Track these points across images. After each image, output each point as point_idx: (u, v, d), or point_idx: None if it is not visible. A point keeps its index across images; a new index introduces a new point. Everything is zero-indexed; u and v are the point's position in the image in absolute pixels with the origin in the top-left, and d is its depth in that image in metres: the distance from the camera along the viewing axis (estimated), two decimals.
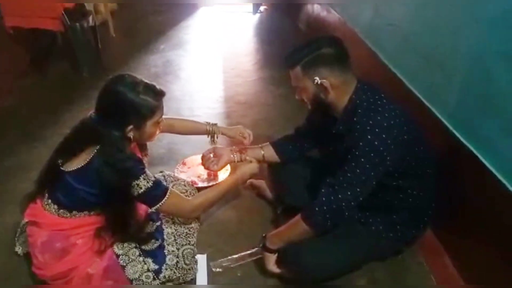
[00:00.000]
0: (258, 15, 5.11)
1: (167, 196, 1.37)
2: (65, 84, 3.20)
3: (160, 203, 1.36)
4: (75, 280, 1.36)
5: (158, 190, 1.36)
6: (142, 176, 1.31)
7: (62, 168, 1.32)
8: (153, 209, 1.39)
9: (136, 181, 1.30)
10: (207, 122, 1.79)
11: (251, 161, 1.69)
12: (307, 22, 4.17)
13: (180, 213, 1.47)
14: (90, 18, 3.32)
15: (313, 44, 1.35)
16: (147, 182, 1.32)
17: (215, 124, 1.79)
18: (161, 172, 1.81)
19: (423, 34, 1.77)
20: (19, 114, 2.75)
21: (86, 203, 1.34)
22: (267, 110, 2.85)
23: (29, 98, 2.96)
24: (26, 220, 1.45)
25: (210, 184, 1.95)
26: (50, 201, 1.36)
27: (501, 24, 1.27)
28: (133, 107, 1.29)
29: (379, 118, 1.30)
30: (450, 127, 1.51)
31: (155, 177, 1.36)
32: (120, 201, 1.34)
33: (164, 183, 1.66)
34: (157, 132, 1.44)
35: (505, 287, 1.26)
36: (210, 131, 1.78)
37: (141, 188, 1.31)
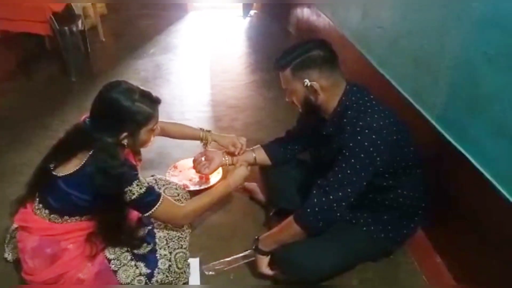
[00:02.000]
0: (248, 19, 5.13)
1: (159, 202, 1.36)
2: (53, 88, 3.18)
3: (152, 210, 1.35)
4: (66, 286, 1.35)
5: (151, 196, 1.35)
6: (135, 182, 1.30)
7: (54, 173, 1.31)
8: (145, 215, 1.38)
9: (129, 187, 1.29)
10: (200, 128, 1.78)
11: (241, 165, 1.69)
12: (297, 26, 4.20)
13: (172, 220, 1.46)
14: (79, 22, 3.31)
15: (302, 47, 1.36)
16: (140, 188, 1.31)
17: (209, 131, 1.78)
18: (152, 176, 1.80)
19: (411, 37, 1.79)
20: (6, 117, 2.72)
21: (77, 208, 1.33)
22: (259, 113, 2.86)
23: (16, 102, 2.94)
24: (15, 225, 1.43)
25: (202, 187, 1.95)
26: (41, 205, 1.34)
27: (487, 26, 1.30)
28: (128, 115, 1.28)
29: (368, 119, 1.31)
30: (439, 128, 1.53)
31: (148, 183, 1.36)
32: (112, 206, 1.33)
33: (156, 186, 1.66)
34: (151, 139, 1.43)
35: (495, 286, 1.28)
36: (202, 137, 1.77)
37: (133, 194, 1.30)
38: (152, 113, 1.34)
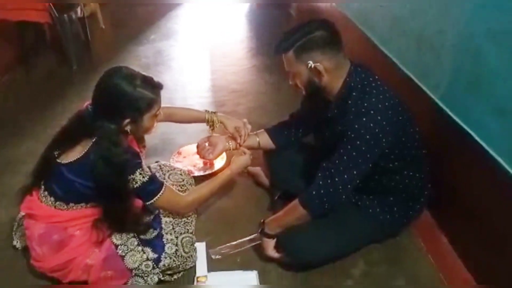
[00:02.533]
0: (248, 2, 5.06)
1: (162, 191, 1.37)
2: (54, 77, 3.16)
3: (155, 198, 1.36)
4: (74, 271, 1.36)
5: (153, 185, 1.36)
6: (138, 170, 1.31)
7: (58, 160, 1.31)
8: (147, 204, 1.39)
9: (132, 176, 1.30)
10: (206, 110, 1.77)
11: (244, 153, 1.67)
12: (298, 7, 4.14)
13: (174, 209, 1.47)
14: (79, 10, 3.27)
15: (305, 28, 1.34)
16: (143, 176, 1.32)
17: (215, 113, 1.77)
18: (156, 162, 1.80)
19: (413, 15, 1.76)
20: (7, 108, 2.71)
21: (82, 195, 1.33)
22: (261, 98, 2.84)
23: (17, 92, 2.93)
24: (22, 213, 1.44)
25: (207, 172, 1.96)
26: (46, 193, 1.35)
27: (489, 4, 1.27)
28: (130, 101, 1.27)
29: (373, 100, 1.30)
30: (443, 107, 1.51)
31: (151, 172, 1.36)
32: (115, 194, 1.32)
33: (160, 172, 1.67)
34: (155, 125, 1.42)
35: (502, 265, 1.28)
36: (208, 119, 1.75)
37: (136, 182, 1.31)
38: (154, 98, 1.33)
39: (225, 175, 1.57)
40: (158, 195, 1.36)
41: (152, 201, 1.37)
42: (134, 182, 1.31)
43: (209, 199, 1.64)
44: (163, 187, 1.38)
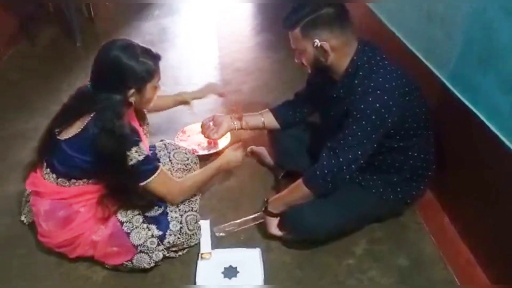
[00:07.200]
0: None
1: (156, 174, 1.35)
2: (58, 52, 3.16)
3: (148, 180, 1.34)
4: (81, 247, 1.39)
5: (148, 166, 1.34)
6: (135, 148, 1.29)
7: (58, 137, 1.32)
8: (140, 185, 1.35)
9: (127, 152, 1.29)
10: (178, 93, 1.81)
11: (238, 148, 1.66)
12: None
13: (167, 195, 1.42)
14: None
15: (313, 5, 1.31)
16: (139, 155, 1.30)
17: (184, 92, 1.81)
18: (161, 140, 1.81)
19: None
20: (12, 82, 2.72)
21: (83, 171, 1.34)
22: (266, 76, 2.81)
23: (22, 66, 2.92)
24: (28, 190, 1.46)
25: (211, 151, 1.96)
26: (48, 170, 1.36)
27: None
28: (134, 70, 1.27)
29: (380, 79, 1.28)
30: (450, 87, 1.49)
31: (146, 153, 1.34)
32: (115, 168, 1.32)
33: (165, 151, 1.68)
34: (155, 97, 1.42)
35: (504, 245, 1.28)
36: (180, 101, 1.79)
37: (131, 160, 1.29)
38: (155, 68, 1.33)
39: (215, 167, 1.55)
40: (152, 177, 1.34)
41: (145, 182, 1.34)
42: (129, 159, 1.29)
43: (199, 190, 1.61)
44: (158, 170, 1.36)
